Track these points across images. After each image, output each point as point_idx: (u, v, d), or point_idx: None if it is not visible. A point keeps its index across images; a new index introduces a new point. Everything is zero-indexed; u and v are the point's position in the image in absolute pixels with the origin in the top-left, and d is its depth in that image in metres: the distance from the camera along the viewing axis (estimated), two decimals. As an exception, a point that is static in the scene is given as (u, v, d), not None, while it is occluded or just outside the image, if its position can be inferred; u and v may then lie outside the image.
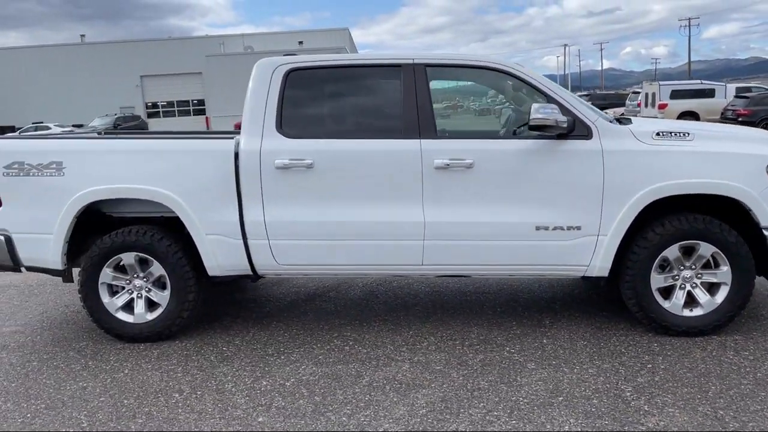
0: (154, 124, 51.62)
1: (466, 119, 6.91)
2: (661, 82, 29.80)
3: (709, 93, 28.58)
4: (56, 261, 4.59)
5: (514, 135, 4.55)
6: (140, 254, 4.56)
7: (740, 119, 23.33)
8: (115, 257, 4.57)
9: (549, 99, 4.37)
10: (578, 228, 4.30)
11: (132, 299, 4.67)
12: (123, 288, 4.68)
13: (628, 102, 34.80)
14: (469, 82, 5.81)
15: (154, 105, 53.05)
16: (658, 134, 4.32)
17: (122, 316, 4.64)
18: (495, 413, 3.43)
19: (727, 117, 24.70)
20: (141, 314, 4.63)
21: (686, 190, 4.21)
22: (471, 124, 6.83)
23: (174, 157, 4.51)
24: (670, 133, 4.34)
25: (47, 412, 3.64)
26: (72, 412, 3.63)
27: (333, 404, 3.62)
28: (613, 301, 5.12)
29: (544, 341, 4.40)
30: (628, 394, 3.59)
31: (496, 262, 4.43)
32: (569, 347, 4.28)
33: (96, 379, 4.07)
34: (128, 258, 4.57)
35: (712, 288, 4.37)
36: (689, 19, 76.06)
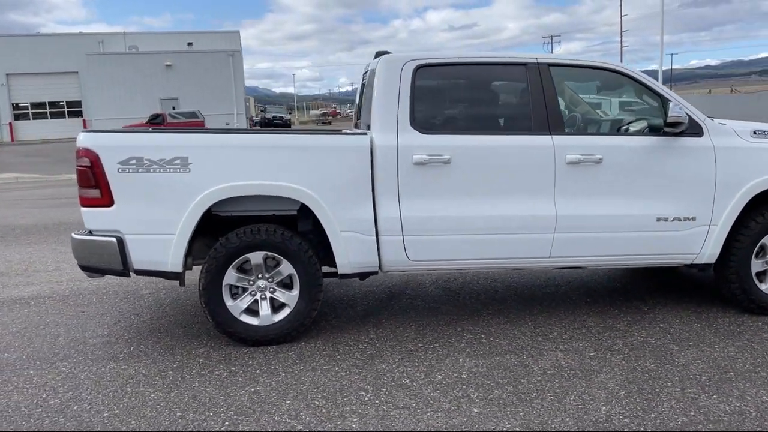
0: (21, 127, 47.78)
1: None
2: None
3: (596, 106, 31.01)
4: (177, 264, 4.30)
5: (618, 132, 4.85)
6: (269, 253, 4.37)
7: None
8: (242, 257, 4.35)
9: (663, 100, 4.69)
10: (693, 219, 4.65)
11: (255, 301, 4.46)
12: (244, 290, 4.46)
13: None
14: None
15: (22, 106, 48.91)
16: (755, 132, 4.77)
17: (245, 318, 4.42)
18: (690, 390, 3.66)
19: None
20: (267, 316, 4.43)
21: (787, 183, 4.69)
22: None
23: (307, 153, 4.37)
24: (764, 132, 4.81)
25: (244, 418, 3.43)
26: (272, 417, 3.44)
27: (531, 392, 3.68)
28: (669, 287, 5.55)
29: (662, 326, 4.70)
30: (785, 366, 3.96)
31: (617, 253, 4.69)
32: (689, 329, 4.61)
33: (258, 383, 3.87)
34: (256, 258, 4.36)
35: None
36: (551, 36, 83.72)
